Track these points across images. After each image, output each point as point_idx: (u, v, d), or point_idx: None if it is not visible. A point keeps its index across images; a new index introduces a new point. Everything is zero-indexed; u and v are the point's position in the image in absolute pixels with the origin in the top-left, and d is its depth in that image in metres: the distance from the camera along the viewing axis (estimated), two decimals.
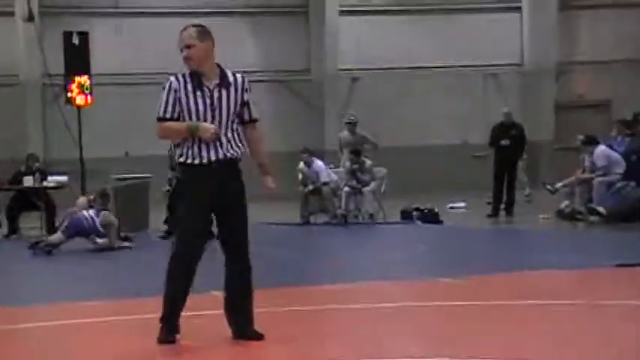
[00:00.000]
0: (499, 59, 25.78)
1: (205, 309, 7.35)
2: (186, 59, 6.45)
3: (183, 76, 6.48)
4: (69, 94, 18.03)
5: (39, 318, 7.62)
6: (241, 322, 6.56)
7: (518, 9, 26.24)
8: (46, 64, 20.16)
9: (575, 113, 25.01)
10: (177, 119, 6.44)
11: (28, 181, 16.85)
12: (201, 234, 6.51)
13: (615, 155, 16.34)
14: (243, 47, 24.80)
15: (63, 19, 22.94)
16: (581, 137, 17.28)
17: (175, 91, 6.42)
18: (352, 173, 17.88)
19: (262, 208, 17.85)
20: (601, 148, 16.48)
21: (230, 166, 6.47)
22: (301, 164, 18.03)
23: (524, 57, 26.30)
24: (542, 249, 12.90)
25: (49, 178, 17.20)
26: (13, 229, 16.90)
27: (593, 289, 8.80)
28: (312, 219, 17.82)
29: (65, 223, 14.09)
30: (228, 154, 6.45)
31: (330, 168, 18.40)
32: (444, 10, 25.71)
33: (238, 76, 6.58)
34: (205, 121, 6.40)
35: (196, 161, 6.43)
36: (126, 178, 17.77)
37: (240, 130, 6.57)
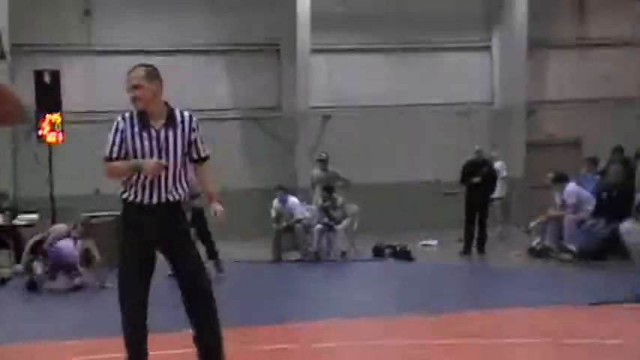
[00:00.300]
0: (470, 98, 25.94)
1: (180, 347, 7.30)
2: (134, 100, 6.47)
3: (131, 116, 6.51)
4: (40, 132, 17.99)
5: (16, 358, 7.54)
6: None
7: (488, 48, 26.49)
8: None
9: (545, 151, 25.18)
10: (125, 158, 6.47)
11: None
12: (143, 273, 6.49)
13: (585, 193, 16.45)
14: (215, 84, 24.84)
15: (34, 57, 22.90)
16: (551, 175, 17.40)
17: (122, 131, 6.46)
18: (324, 210, 17.90)
19: (232, 245, 17.87)
20: (571, 186, 16.59)
21: (172, 208, 6.47)
22: (275, 202, 18.02)
23: (494, 96, 26.51)
24: (514, 286, 12.95)
25: (19, 216, 17.10)
26: None
27: (565, 327, 8.84)
28: (283, 256, 17.79)
29: (30, 257, 13.89)
30: (171, 198, 6.46)
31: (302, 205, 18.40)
32: (415, 49, 25.86)
33: (186, 114, 6.59)
34: None
35: (137, 200, 6.46)
36: (96, 216, 17.68)
37: (187, 168, 6.56)
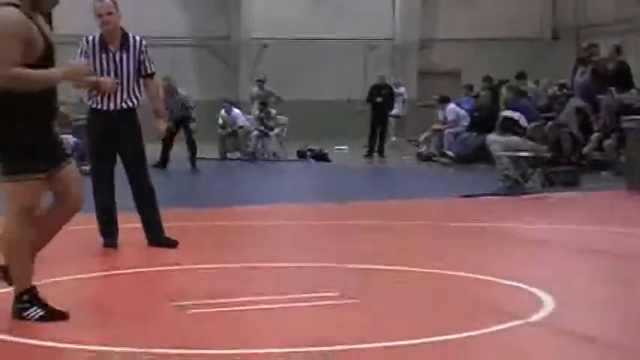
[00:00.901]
0: (377, 34, 25.87)
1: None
2: (107, 23, 6.45)
3: (93, 39, 6.54)
4: None
5: None
6: (155, 233, 6.61)
7: None
8: None
9: (433, 79, 25.28)
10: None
11: None
12: (108, 161, 6.57)
13: (462, 112, 16.66)
14: (173, 17, 24.39)
15: None
16: (436, 97, 17.63)
17: (85, 52, 6.50)
18: (260, 120, 17.87)
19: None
20: (451, 106, 16.79)
21: (127, 112, 6.51)
22: (222, 111, 17.93)
23: (395, 33, 26.47)
24: (406, 182, 13.15)
25: None
26: None
27: (442, 213, 9.03)
28: (228, 155, 17.75)
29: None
30: (125, 105, 6.50)
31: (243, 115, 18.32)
32: None
33: (137, 38, 6.59)
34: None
35: (98, 107, 6.52)
36: (80, 119, 17.30)
37: (140, 82, 6.56)
